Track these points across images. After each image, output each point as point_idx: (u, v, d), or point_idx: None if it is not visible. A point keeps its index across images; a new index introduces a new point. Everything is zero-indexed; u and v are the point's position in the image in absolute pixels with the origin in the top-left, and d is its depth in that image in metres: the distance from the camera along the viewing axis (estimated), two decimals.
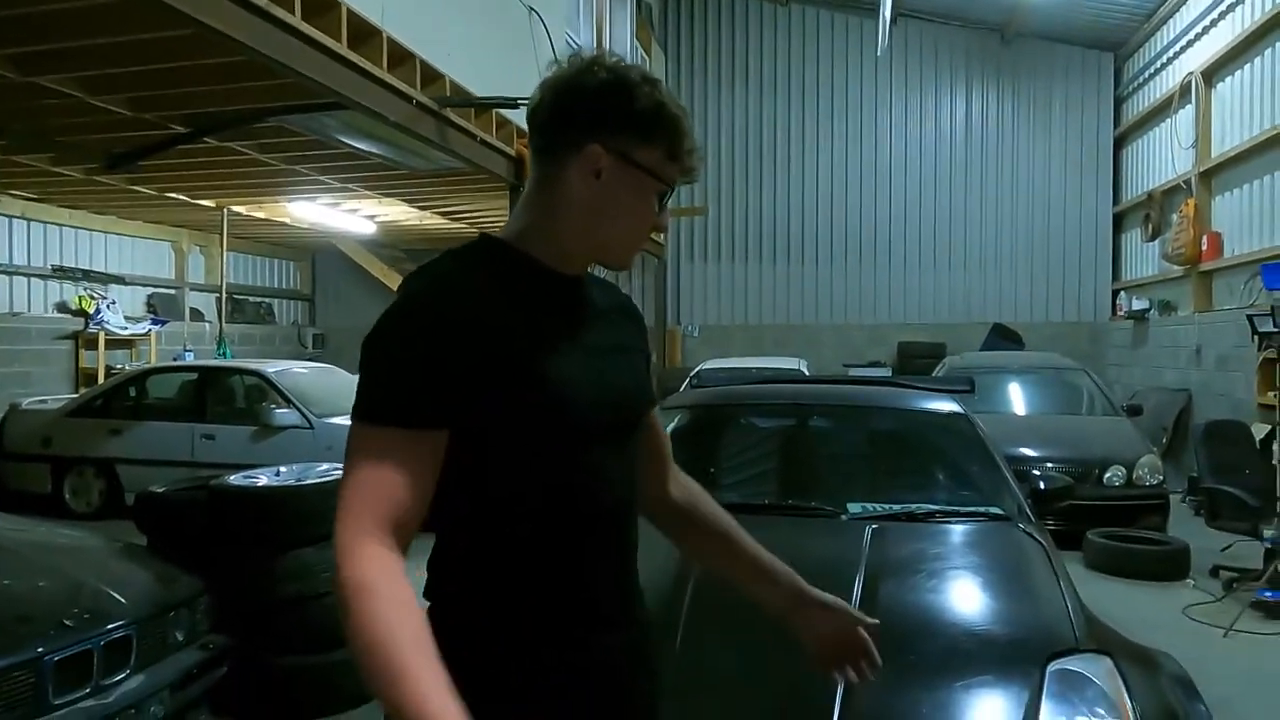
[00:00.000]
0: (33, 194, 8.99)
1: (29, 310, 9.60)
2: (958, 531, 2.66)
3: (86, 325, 9.83)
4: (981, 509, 2.86)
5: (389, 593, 0.96)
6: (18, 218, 9.45)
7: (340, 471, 1.08)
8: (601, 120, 1.11)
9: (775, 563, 1.43)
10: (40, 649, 2.53)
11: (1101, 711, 1.78)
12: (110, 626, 2.75)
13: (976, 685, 1.81)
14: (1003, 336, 12.66)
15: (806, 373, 9.32)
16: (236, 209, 9.78)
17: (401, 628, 0.93)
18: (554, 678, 1.11)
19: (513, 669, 1.09)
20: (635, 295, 14.20)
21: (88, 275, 10.19)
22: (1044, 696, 1.78)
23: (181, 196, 8.90)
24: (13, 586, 2.84)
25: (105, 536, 3.68)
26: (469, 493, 1.09)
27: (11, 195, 8.95)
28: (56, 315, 9.87)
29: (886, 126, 13.62)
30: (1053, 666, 1.85)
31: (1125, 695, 1.83)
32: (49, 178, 7.82)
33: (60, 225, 9.95)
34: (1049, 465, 5.88)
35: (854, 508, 2.84)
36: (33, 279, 9.72)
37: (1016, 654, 1.92)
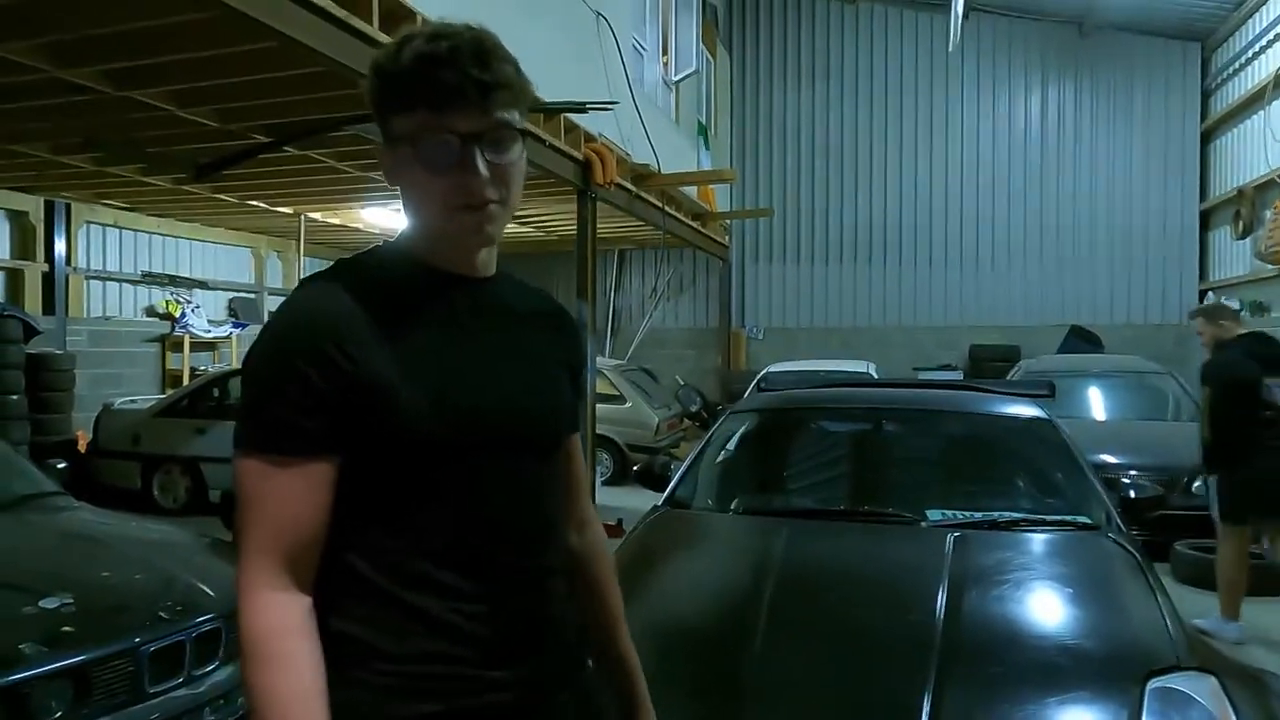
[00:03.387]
0: (124, 203, 9.41)
1: (120, 314, 10.07)
2: (1044, 541, 2.56)
3: (173, 329, 10.25)
4: (1069, 518, 2.76)
5: (283, 659, 0.93)
6: (110, 226, 9.92)
7: None
8: (373, 103, 1.04)
9: (637, 669, 1.30)
10: (138, 639, 2.64)
11: None
12: (201, 619, 2.86)
13: (1070, 701, 1.74)
14: (1081, 339, 12.22)
15: (875, 376, 9.15)
16: (313, 215, 10.08)
17: (296, 704, 0.92)
18: (452, 713, 1.02)
19: (406, 705, 1.00)
20: (699, 297, 14.18)
21: (174, 280, 10.64)
22: (1144, 715, 1.70)
23: (261, 204, 9.20)
24: (110, 579, 2.97)
25: (193, 532, 3.82)
26: (353, 520, 1.01)
27: (105, 205, 9.39)
28: (145, 319, 10.32)
29: (958, 124, 13.29)
30: (1153, 684, 1.77)
31: (1232, 716, 1.74)
32: (139, 188, 8.17)
33: (149, 233, 10.42)
34: (1133, 473, 5.64)
35: (933, 515, 2.77)
36: (124, 284, 10.19)
37: (1113, 670, 1.84)
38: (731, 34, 13.90)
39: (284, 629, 0.95)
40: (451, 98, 0.99)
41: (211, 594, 2.99)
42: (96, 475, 7.94)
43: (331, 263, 1.12)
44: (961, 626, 1.98)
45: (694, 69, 10.69)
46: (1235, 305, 10.73)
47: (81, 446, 8.37)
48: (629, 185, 8.26)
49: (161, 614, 2.78)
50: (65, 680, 2.45)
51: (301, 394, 0.97)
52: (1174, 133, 12.62)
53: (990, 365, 11.91)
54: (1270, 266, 9.74)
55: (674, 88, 10.43)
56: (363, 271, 1.07)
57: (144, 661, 2.63)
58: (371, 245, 1.15)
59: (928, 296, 13.41)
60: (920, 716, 1.70)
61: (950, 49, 11.22)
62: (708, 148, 11.82)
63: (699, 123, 11.60)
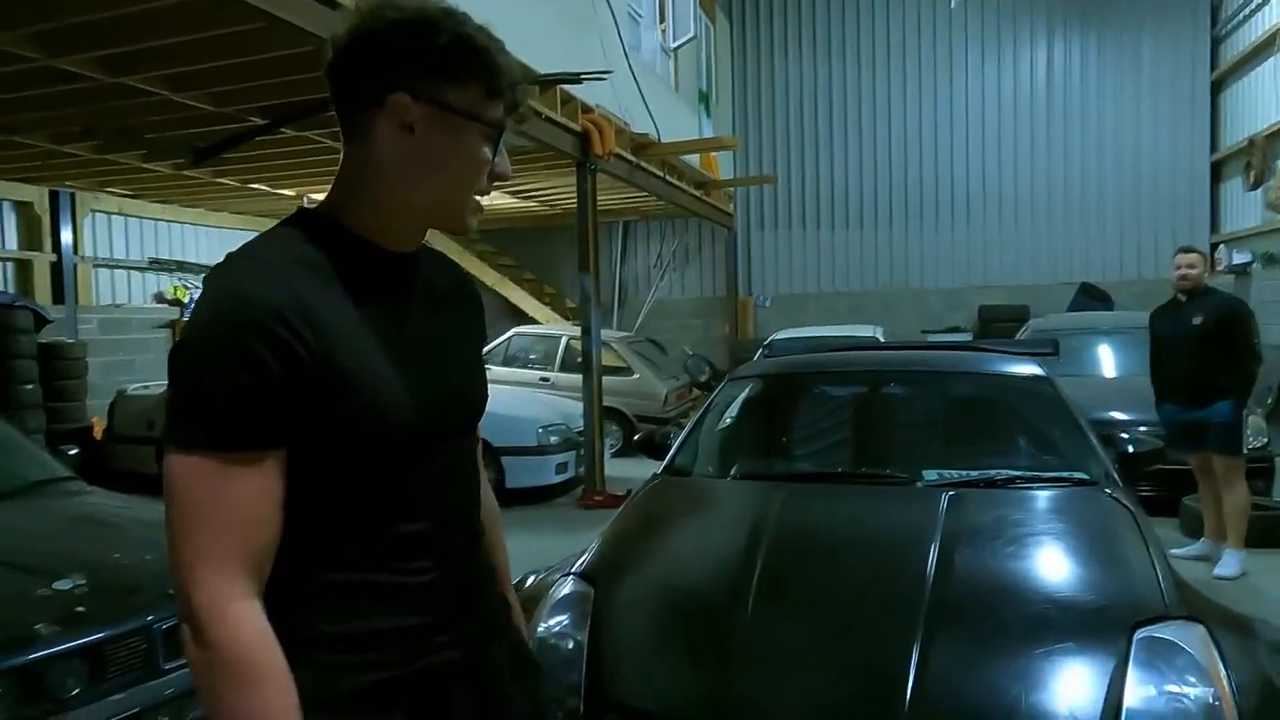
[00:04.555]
0: (127, 190, 9.44)
1: (129, 301, 10.15)
2: (1039, 497, 2.58)
3: (181, 314, 10.33)
4: (1065, 474, 2.77)
5: (271, 675, 0.89)
6: (115, 214, 9.97)
7: None
8: (403, 64, 0.97)
9: (524, 632, 1.34)
10: (150, 617, 2.69)
11: (1193, 680, 1.71)
12: None
13: (1057, 653, 1.77)
14: (1091, 296, 12.12)
15: (882, 340, 9.13)
16: (315, 196, 10.09)
17: (277, 707, 0.89)
18: (398, 681, 1.03)
19: (354, 679, 1.00)
20: (705, 267, 14.13)
21: (181, 266, 10.70)
22: (1130, 664, 1.72)
23: (263, 187, 9.21)
24: (122, 560, 3.02)
25: None
26: (299, 506, 0.97)
27: (109, 193, 9.43)
28: (154, 305, 10.40)
29: (962, 81, 13.10)
30: (1140, 634, 1.79)
31: (1219, 664, 1.76)
32: (141, 174, 8.20)
33: (154, 220, 10.47)
34: (1142, 429, 5.62)
35: (929, 475, 2.78)
36: (131, 271, 10.26)
37: (1100, 621, 1.86)
38: None
39: (265, 643, 0.90)
40: (504, 92, 1.01)
41: None
42: (113, 461, 8.05)
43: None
44: (951, 583, 2.00)
45: (692, 35, 10.57)
46: (1248, 258, 10.63)
47: (98, 433, 8.49)
48: (629, 156, 8.22)
49: (172, 593, 2.83)
50: (80, 659, 2.51)
51: (251, 380, 0.90)
52: (1183, 83, 12.40)
53: (999, 326, 11.85)
54: None
55: (673, 55, 10.32)
56: (294, 245, 1.00)
57: (157, 639, 2.69)
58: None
59: (935, 258, 13.31)
60: (907, 671, 1.73)
61: (953, 4, 11.04)
62: (709, 115, 11.71)
63: (700, 90, 11.49)
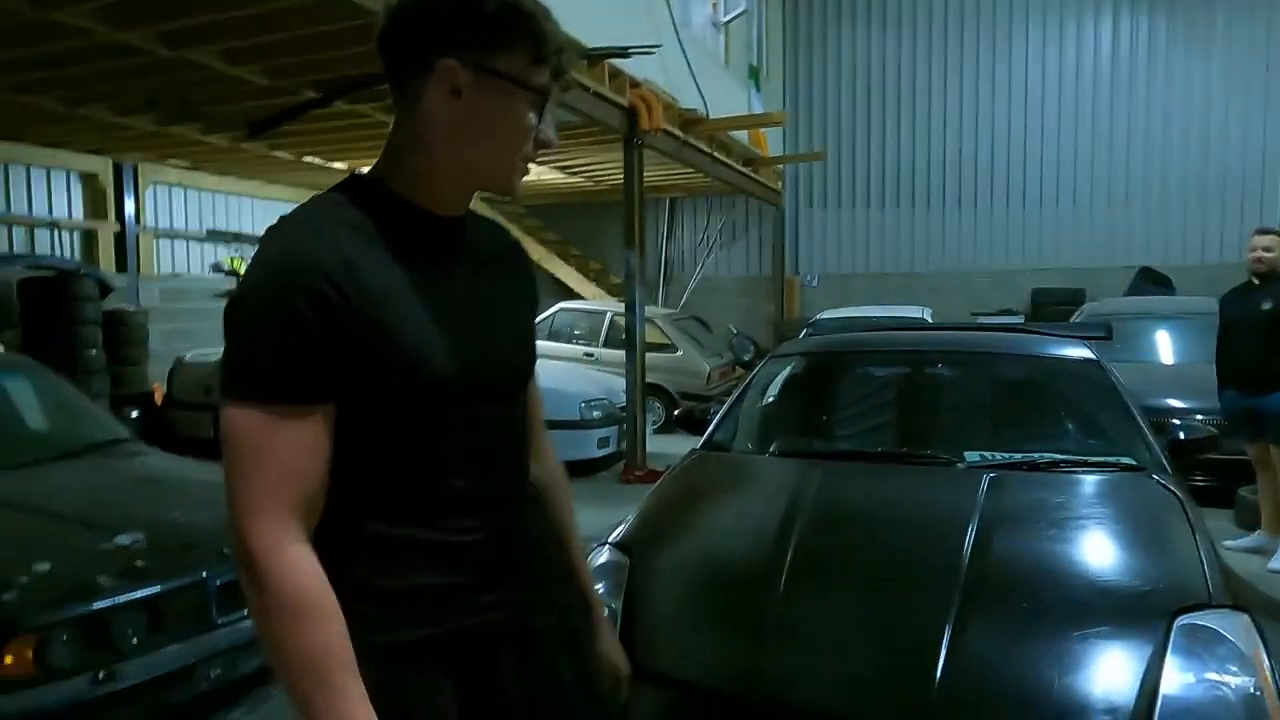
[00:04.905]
0: (187, 163, 9.69)
1: (188, 271, 10.45)
2: (1083, 481, 2.53)
3: (237, 284, 10.61)
4: (1111, 459, 2.71)
5: (328, 611, 0.94)
6: (175, 185, 10.25)
7: None
8: (451, 31, 1.00)
9: (588, 586, 1.37)
10: (204, 573, 2.81)
11: (1234, 669, 1.68)
12: None
13: (1093, 637, 1.74)
14: (1151, 281, 11.75)
15: (929, 321, 8.99)
16: (366, 170, 10.22)
17: (340, 652, 0.93)
18: (442, 638, 1.06)
19: (398, 633, 1.04)
20: (753, 245, 14.02)
21: (238, 237, 10.97)
22: (1169, 651, 1.70)
23: (316, 160, 9.38)
24: (180, 518, 3.15)
25: None
26: (340, 461, 1.01)
27: (169, 165, 9.69)
28: (211, 275, 10.70)
29: (1021, 56, 12.72)
30: (1181, 620, 1.76)
31: (1263, 653, 1.72)
32: (199, 147, 8.40)
33: (212, 191, 10.73)
34: (1199, 417, 5.47)
35: (971, 456, 2.75)
36: (190, 242, 10.56)
37: (1141, 606, 1.83)
38: None
39: (319, 583, 0.95)
40: (549, 58, 1.04)
41: None
42: (172, 426, 8.32)
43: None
44: (988, 564, 1.99)
45: (743, 9, 10.43)
46: None
47: (158, 399, 8.78)
48: (677, 131, 8.17)
49: (226, 550, 2.94)
50: (140, 611, 2.63)
51: (302, 337, 0.94)
52: (1257, 57, 11.87)
53: (1053, 309, 11.57)
54: None
55: (723, 29, 10.20)
56: (343, 209, 1.03)
57: (211, 594, 2.80)
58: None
59: (988, 239, 13.02)
60: (940, 650, 1.72)
61: None
62: (759, 91, 11.57)
63: (750, 65, 11.34)
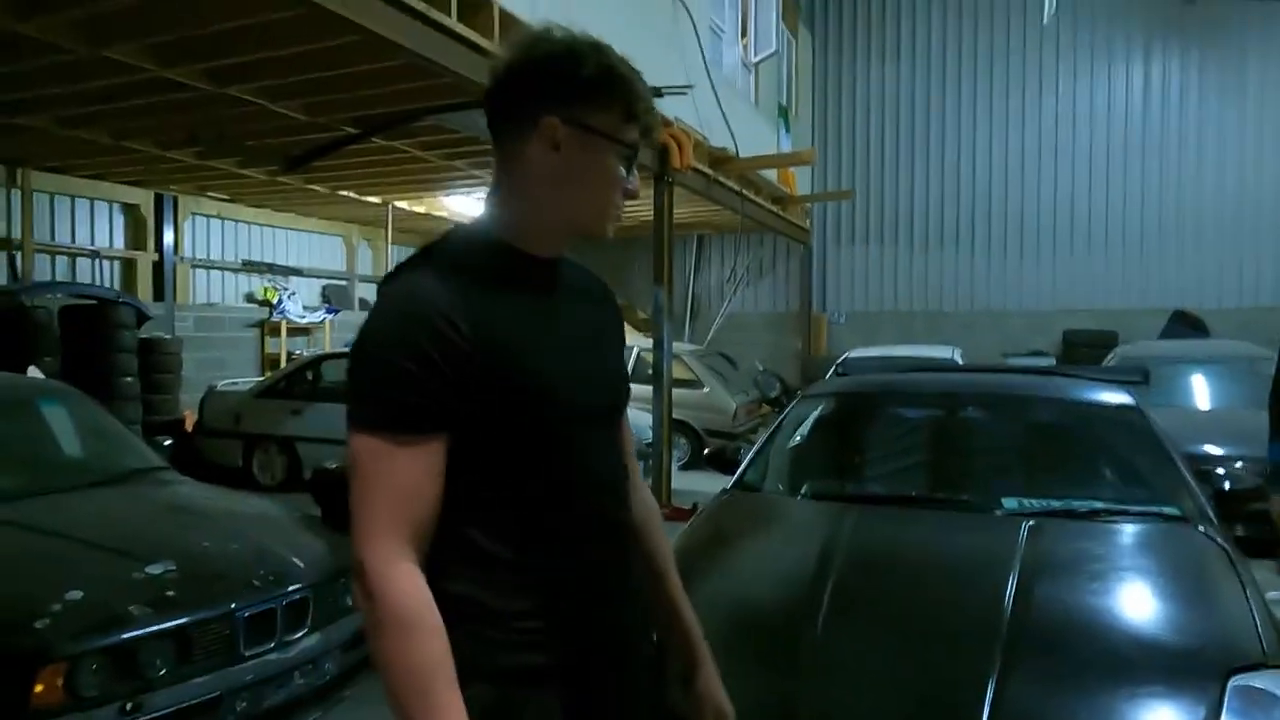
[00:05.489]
0: (225, 195, 9.90)
1: (223, 301, 10.63)
2: (1126, 531, 2.47)
3: (270, 314, 10.75)
4: (1154, 508, 2.65)
5: (430, 626, 1.00)
6: (214, 217, 10.47)
7: None
8: (552, 90, 1.10)
9: (693, 621, 1.37)
10: (234, 605, 2.81)
11: None
12: (291, 588, 3.02)
13: (1143, 696, 1.68)
14: (1185, 324, 11.57)
15: (959, 362, 8.90)
16: (399, 204, 10.39)
17: (442, 668, 0.99)
18: (562, 657, 1.11)
19: (523, 653, 1.09)
20: (779, 282, 14.02)
21: (271, 269, 11.15)
22: (1224, 713, 1.64)
23: (350, 194, 9.55)
24: (210, 548, 3.16)
25: (286, 507, 4.03)
26: (463, 485, 1.08)
27: (208, 197, 9.91)
28: (245, 305, 10.87)
29: (1052, 98, 12.71)
30: (1235, 681, 1.70)
31: None
32: (237, 180, 8.60)
33: (248, 223, 10.95)
34: (1238, 464, 5.34)
35: (1009, 503, 2.70)
36: (225, 272, 10.75)
37: (1191, 665, 1.77)
38: (814, 12, 13.63)
39: (424, 600, 1.01)
40: (639, 117, 1.14)
41: (301, 565, 3.16)
42: (202, 453, 8.40)
43: (415, 249, 1.19)
44: (1030, 616, 1.94)
45: (774, 50, 10.54)
46: None
47: (189, 426, 8.88)
48: (707, 169, 8.23)
49: (255, 582, 2.94)
50: (169, 640, 2.63)
51: (422, 373, 1.03)
52: None
53: (1085, 351, 11.42)
54: None
55: (753, 69, 10.31)
56: (454, 255, 1.13)
57: (240, 626, 2.80)
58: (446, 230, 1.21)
59: (1019, 279, 12.92)
60: (983, 705, 1.67)
61: (1045, 21, 10.74)
62: (788, 130, 11.65)
63: (779, 105, 11.44)
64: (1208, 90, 12.13)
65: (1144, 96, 12.44)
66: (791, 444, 3.47)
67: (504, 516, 1.10)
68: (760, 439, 3.49)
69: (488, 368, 1.05)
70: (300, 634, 3.02)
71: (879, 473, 3.29)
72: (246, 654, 2.81)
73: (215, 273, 10.65)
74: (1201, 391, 7.54)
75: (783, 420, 3.57)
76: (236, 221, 10.80)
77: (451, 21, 4.38)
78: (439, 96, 5.66)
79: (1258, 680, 1.71)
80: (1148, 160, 12.37)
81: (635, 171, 1.17)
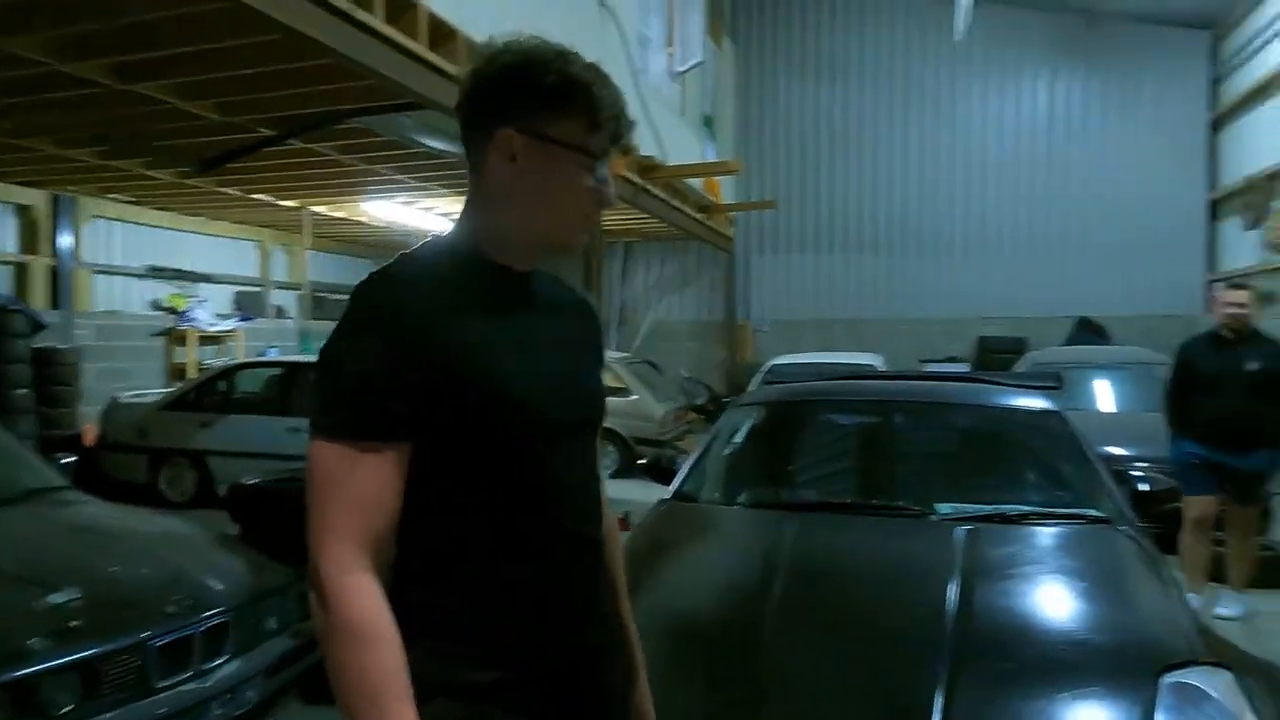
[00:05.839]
0: (129, 197, 9.41)
1: (127, 308, 10.09)
2: (1056, 535, 2.54)
3: (178, 322, 10.27)
4: (1079, 511, 2.74)
5: (384, 637, 0.97)
6: (116, 220, 9.93)
7: None
8: (511, 102, 1.09)
9: (637, 644, 1.38)
10: (145, 634, 2.64)
11: None
12: (209, 613, 2.86)
13: (1084, 696, 1.72)
14: (1088, 331, 12.17)
15: (881, 368, 9.11)
16: (317, 209, 10.07)
17: (394, 678, 0.96)
18: (527, 675, 1.10)
19: (487, 669, 1.07)
20: (704, 290, 14.15)
21: (180, 274, 10.65)
22: (1158, 710, 1.69)
23: (266, 197, 9.20)
24: (119, 573, 2.96)
25: (201, 525, 3.82)
26: (430, 498, 1.06)
27: (111, 199, 9.40)
28: (151, 313, 10.34)
29: (966, 114, 13.22)
30: (1167, 679, 1.75)
31: (1249, 712, 1.72)
32: (144, 181, 8.17)
33: (154, 227, 10.42)
34: (1139, 465, 5.60)
35: (943, 508, 2.75)
36: (129, 278, 10.21)
37: (1127, 664, 1.82)
38: (737, 25, 13.84)
39: (379, 610, 0.99)
40: (620, 135, 1.12)
41: (220, 588, 3.00)
42: (104, 469, 7.96)
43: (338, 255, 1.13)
44: (974, 621, 1.97)
45: (700, 60, 10.64)
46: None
47: (89, 440, 8.39)
48: (634, 177, 8.23)
49: (170, 608, 2.78)
50: (73, 674, 2.45)
51: (386, 380, 1.01)
52: (1182, 122, 12.53)
53: (997, 357, 11.87)
54: (1279, 257, 9.68)
55: (680, 79, 10.38)
56: (427, 264, 1.12)
57: (152, 656, 2.63)
58: (425, 237, 1.19)
59: (934, 288, 13.36)
60: (933, 712, 1.68)
61: (957, 38, 11.15)
62: (713, 139, 11.77)
63: (704, 114, 11.55)
64: (1108, 109, 12.80)
65: (1049, 114, 13.04)
66: (728, 453, 3.47)
67: (470, 529, 1.08)
68: (697, 448, 3.48)
69: (456, 377, 1.04)
70: (219, 661, 2.86)
71: (816, 480, 3.32)
72: (160, 686, 2.65)
73: (118, 279, 10.10)
74: (1105, 395, 7.89)
75: (718, 429, 3.57)
76: (141, 225, 10.27)
77: (378, 22, 4.25)
78: (362, 99, 5.50)
79: (1187, 677, 1.77)
80: (1053, 175, 12.98)
81: (608, 179, 1.14)
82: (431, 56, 4.73)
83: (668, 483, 3.31)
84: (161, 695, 2.63)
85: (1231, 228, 11.77)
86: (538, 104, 1.09)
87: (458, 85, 1.13)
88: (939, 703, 1.70)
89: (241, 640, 2.96)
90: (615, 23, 7.55)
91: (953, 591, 2.06)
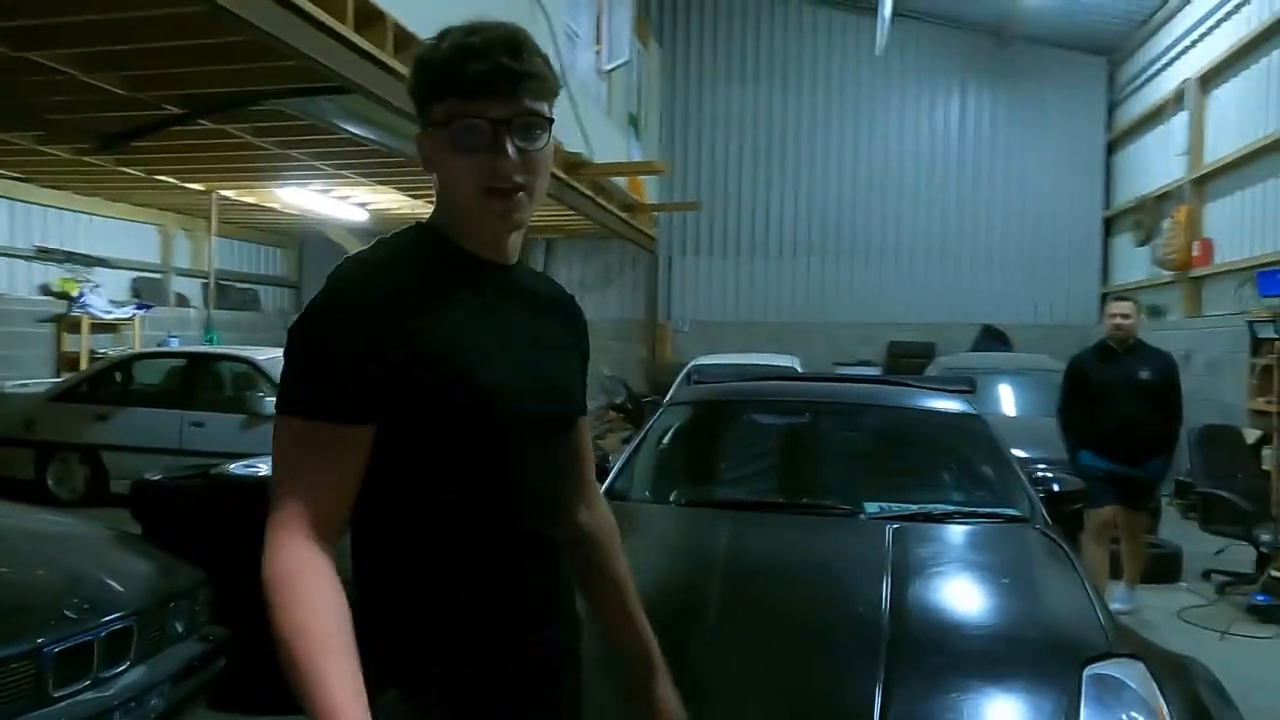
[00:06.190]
0: (17, 174, 8.81)
1: (11, 292, 9.42)
2: (978, 532, 2.64)
3: (69, 308, 9.65)
4: (998, 510, 2.85)
5: (303, 586, 0.97)
6: (1, 197, 9.26)
7: None
8: (417, 107, 1.12)
9: (650, 633, 1.40)
10: (40, 639, 2.46)
11: (1139, 716, 1.77)
12: (110, 617, 2.69)
13: (1016, 689, 1.79)
14: (992, 337, 12.71)
15: (800, 370, 9.30)
16: (226, 193, 9.64)
17: (312, 624, 0.94)
18: (486, 674, 1.09)
19: (445, 666, 1.07)
20: (626, 290, 14.16)
21: (71, 257, 10.00)
22: (1083, 701, 1.76)
23: (170, 179, 8.75)
24: (10, 575, 2.76)
25: (100, 525, 3.59)
26: (393, 488, 1.07)
27: None
28: (39, 297, 9.69)
29: (882, 126, 13.62)
30: (1089, 671, 1.83)
31: (1161, 700, 1.82)
32: (35, 157, 7.65)
33: (44, 206, 9.76)
34: (1040, 466, 5.88)
35: (870, 507, 2.81)
36: (15, 260, 9.53)
37: (1052, 658, 1.90)
38: (663, 26, 13.90)
39: (306, 570, 0.98)
40: (482, 86, 1.05)
41: (123, 591, 2.82)
42: None
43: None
44: (906, 618, 2.01)
45: (627, 59, 10.63)
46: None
47: None
48: (560, 174, 8.17)
49: (67, 612, 2.59)
50: None
51: (348, 363, 1.02)
52: (1081, 143, 13.21)
53: (907, 361, 12.26)
54: (1167, 272, 10.32)
55: (606, 77, 10.36)
56: (406, 251, 1.12)
57: (48, 663, 2.45)
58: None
59: (849, 293, 13.73)
60: (873, 709, 1.71)
61: (877, 52, 11.48)
62: (639, 139, 11.79)
63: (630, 114, 11.56)
64: (1014, 126, 13.39)
65: (960, 128, 13.56)
66: (659, 452, 3.47)
67: (434, 526, 1.08)
68: (628, 447, 3.47)
69: (423, 363, 1.04)
70: (121, 668, 2.69)
71: (747, 479, 3.35)
72: (56, 695, 2.46)
73: (2, 260, 9.41)
74: (1008, 399, 8.25)
75: (649, 428, 3.57)
76: (30, 204, 9.60)
77: (303, 0, 4.09)
78: (282, 79, 5.28)
79: (1106, 669, 1.86)
80: (962, 187, 13.50)
81: (507, 141, 1.06)
82: (357, 39, 4.57)
83: (600, 481, 3.29)
84: (59, 705, 2.45)
85: (1124, 244, 12.49)
86: (423, 99, 1.10)
87: (382, 70, 1.11)
88: (878, 698, 1.73)
89: (146, 645, 2.80)
90: (545, 15, 7.47)
91: (886, 590, 2.11)
